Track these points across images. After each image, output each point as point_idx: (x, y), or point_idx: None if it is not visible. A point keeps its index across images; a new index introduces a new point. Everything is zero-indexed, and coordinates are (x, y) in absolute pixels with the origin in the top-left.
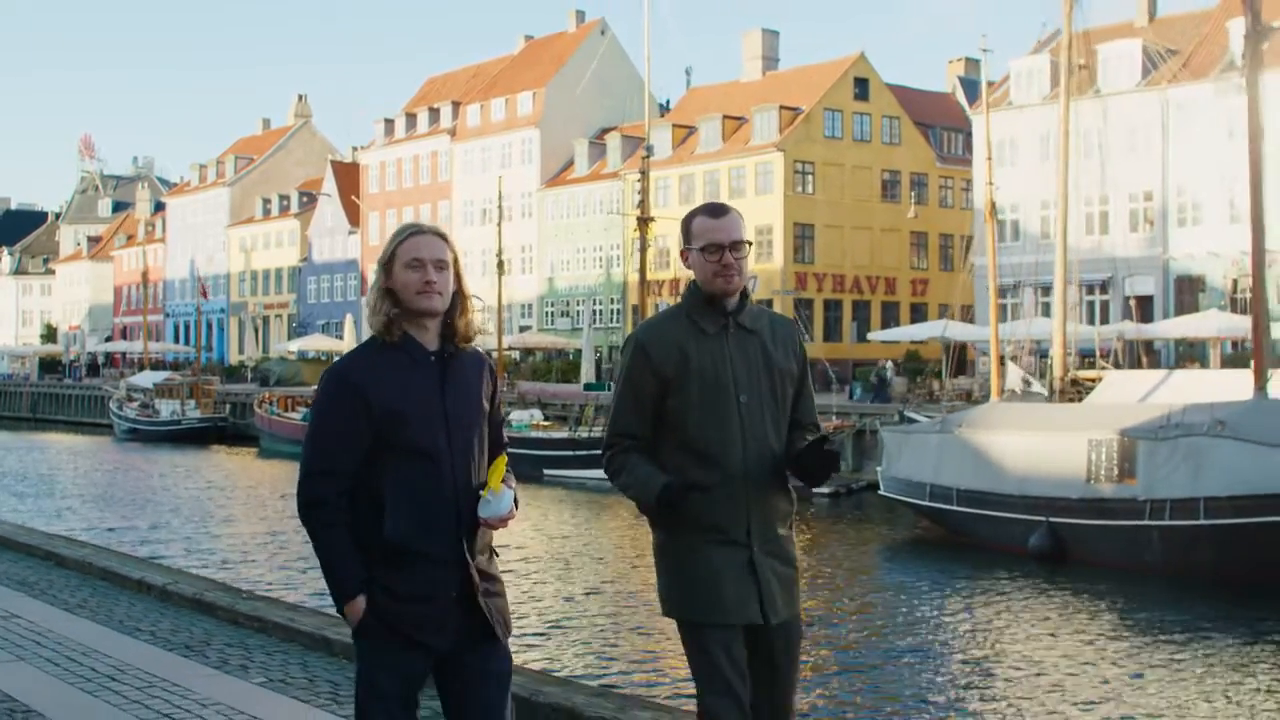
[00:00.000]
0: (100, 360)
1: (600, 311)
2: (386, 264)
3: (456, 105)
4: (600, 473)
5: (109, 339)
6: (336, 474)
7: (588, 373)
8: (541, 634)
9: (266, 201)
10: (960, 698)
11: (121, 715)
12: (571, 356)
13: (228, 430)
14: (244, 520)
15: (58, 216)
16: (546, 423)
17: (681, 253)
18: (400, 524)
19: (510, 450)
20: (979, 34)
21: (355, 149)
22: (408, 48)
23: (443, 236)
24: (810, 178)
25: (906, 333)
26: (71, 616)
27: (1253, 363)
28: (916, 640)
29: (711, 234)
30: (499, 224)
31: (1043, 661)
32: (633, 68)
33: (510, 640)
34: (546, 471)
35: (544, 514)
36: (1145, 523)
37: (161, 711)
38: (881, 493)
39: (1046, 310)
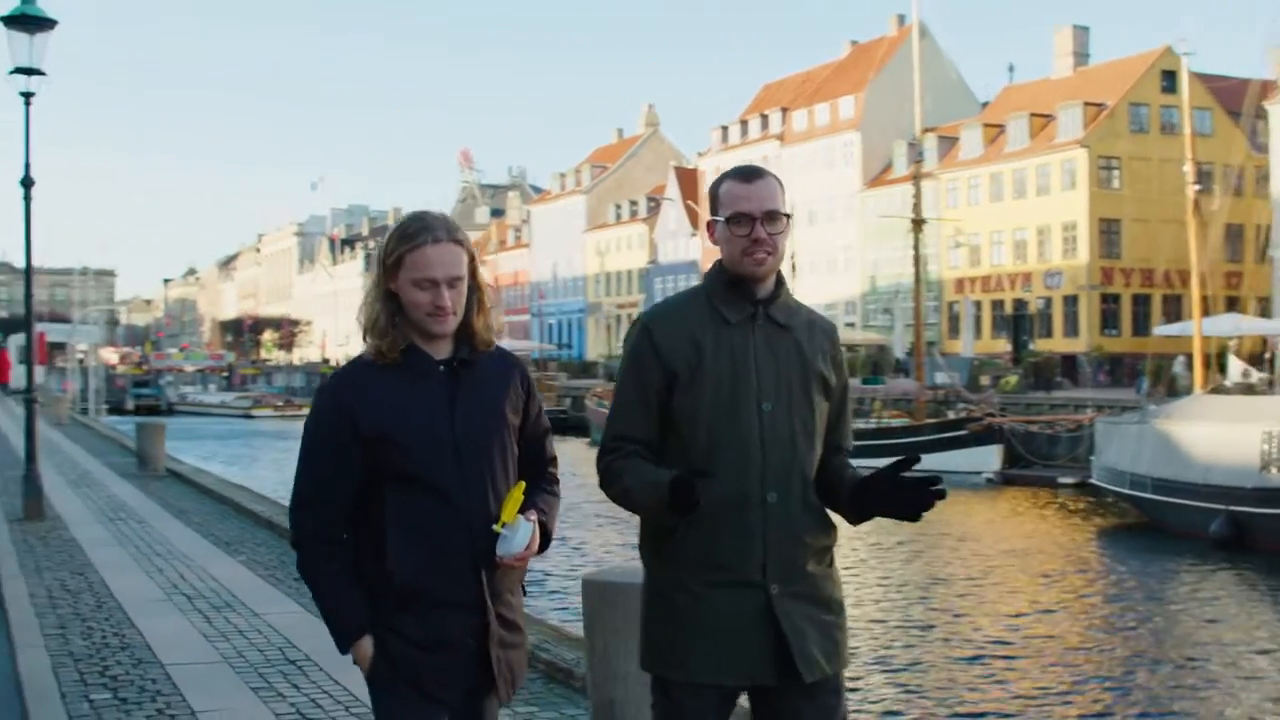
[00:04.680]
0: None
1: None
2: (390, 267)
3: (785, 111)
4: (878, 461)
5: None
6: (327, 504)
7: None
8: None
9: (618, 207)
10: (1131, 680)
11: (140, 577)
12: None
13: (568, 421)
14: None
15: None
16: None
17: (708, 225)
18: (403, 562)
19: None
20: None
21: (699, 154)
22: (748, 55)
23: (459, 242)
24: (1116, 173)
25: (1185, 328)
26: (182, 526)
27: None
28: (1090, 621)
29: (740, 202)
30: (788, 230)
31: (1211, 643)
32: (952, 69)
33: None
34: None
35: None
36: None
37: (162, 559)
38: (1093, 481)
39: None
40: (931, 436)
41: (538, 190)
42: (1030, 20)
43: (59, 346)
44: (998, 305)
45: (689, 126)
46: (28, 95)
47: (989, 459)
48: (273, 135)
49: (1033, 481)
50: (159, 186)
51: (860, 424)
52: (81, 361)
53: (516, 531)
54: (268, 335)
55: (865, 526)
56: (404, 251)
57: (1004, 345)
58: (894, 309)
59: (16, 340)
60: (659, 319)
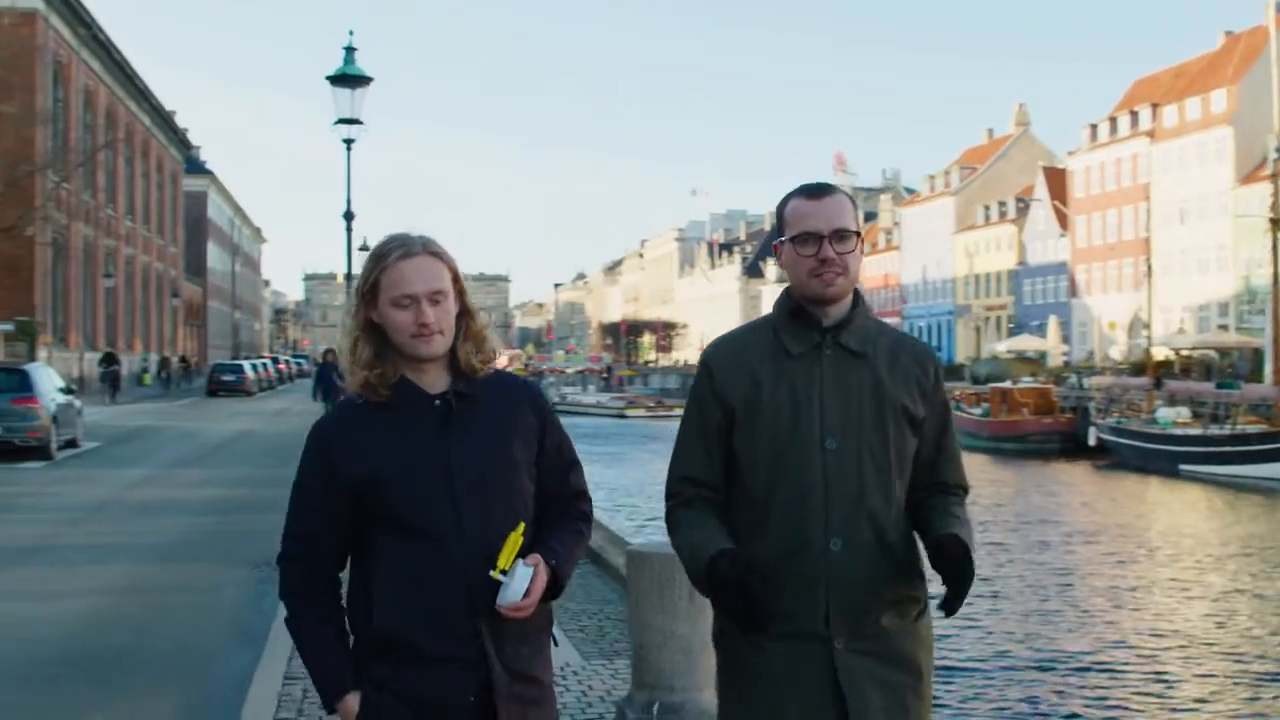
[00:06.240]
0: None
1: None
2: (368, 296)
3: (1154, 107)
4: (1234, 468)
5: None
6: (311, 558)
7: (1269, 374)
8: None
9: (987, 208)
10: None
11: None
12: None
13: None
14: None
15: None
16: (1190, 419)
17: (774, 247)
18: (391, 614)
19: (1148, 446)
20: None
21: (1069, 154)
22: (1121, 49)
23: (437, 254)
24: None
25: None
26: None
27: None
28: None
29: (807, 220)
30: (1148, 231)
31: None
32: None
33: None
34: (1182, 467)
35: (1179, 509)
36: None
37: None
38: None
39: None
40: None
41: (910, 192)
42: None
43: None
44: None
45: (1060, 125)
46: (349, 141)
47: None
48: (655, 141)
49: None
50: (554, 193)
51: (1215, 430)
52: None
53: (513, 578)
54: (645, 338)
55: (1188, 539)
56: (379, 273)
57: None
58: (1268, 310)
59: None
60: (718, 353)
